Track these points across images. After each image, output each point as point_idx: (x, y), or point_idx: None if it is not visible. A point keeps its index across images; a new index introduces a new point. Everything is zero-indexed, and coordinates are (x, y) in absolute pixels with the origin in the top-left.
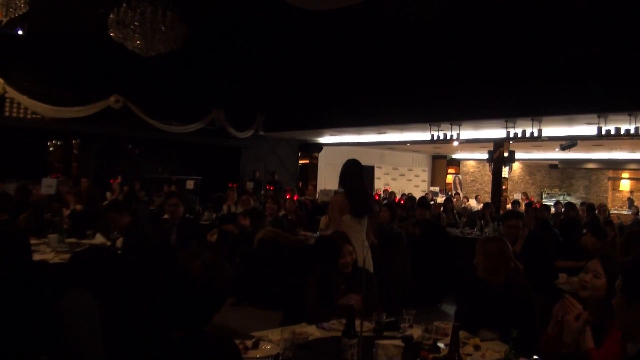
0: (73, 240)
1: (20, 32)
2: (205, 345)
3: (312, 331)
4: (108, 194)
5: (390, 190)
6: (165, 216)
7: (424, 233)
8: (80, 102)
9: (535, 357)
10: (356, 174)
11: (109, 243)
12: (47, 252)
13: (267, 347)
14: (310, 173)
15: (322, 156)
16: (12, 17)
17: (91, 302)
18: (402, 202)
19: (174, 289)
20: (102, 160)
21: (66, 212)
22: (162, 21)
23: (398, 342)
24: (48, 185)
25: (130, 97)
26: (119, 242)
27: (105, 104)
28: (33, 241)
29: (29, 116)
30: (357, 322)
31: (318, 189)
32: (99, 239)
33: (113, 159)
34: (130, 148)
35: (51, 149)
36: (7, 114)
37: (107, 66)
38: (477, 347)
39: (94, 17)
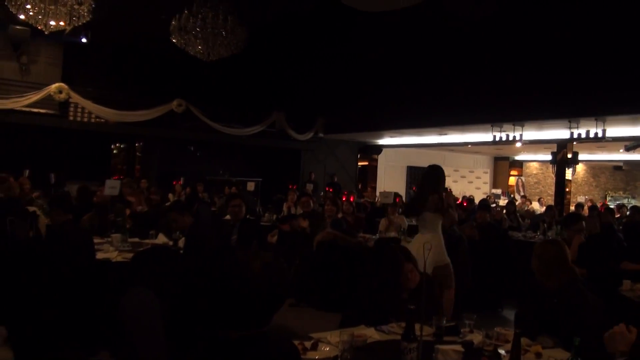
0: (136, 240)
1: (84, 40)
2: (265, 345)
3: (371, 334)
4: (170, 195)
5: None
6: (227, 217)
7: (484, 236)
8: (143, 106)
9: None
10: (434, 177)
11: (171, 243)
12: (110, 251)
13: (325, 349)
14: (369, 175)
15: (381, 158)
16: (76, 25)
17: (153, 301)
18: (464, 204)
19: (233, 289)
20: (164, 163)
21: (129, 213)
22: (223, 26)
23: (458, 348)
24: (112, 187)
25: (192, 100)
26: (181, 243)
27: (168, 107)
28: (97, 240)
29: (93, 120)
30: (417, 326)
31: (377, 191)
32: (161, 239)
33: (175, 161)
34: (192, 150)
35: (115, 151)
36: (71, 118)
37: (169, 71)
38: (538, 355)
39: (156, 23)
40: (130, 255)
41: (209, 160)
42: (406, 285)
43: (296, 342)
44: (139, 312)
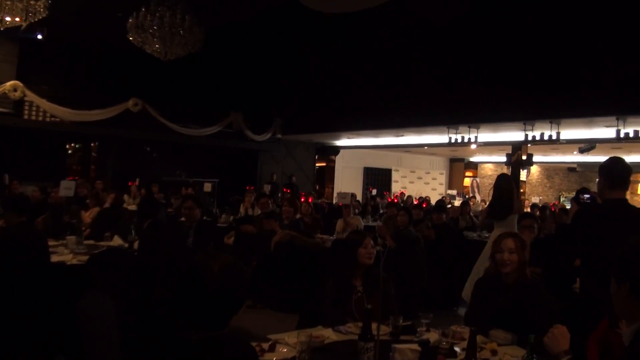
0: (91, 242)
1: (39, 37)
2: (223, 347)
3: (329, 334)
4: (126, 197)
5: (406, 193)
6: (182, 219)
7: (440, 236)
8: (99, 106)
9: None
10: (511, 185)
11: (126, 245)
12: (65, 253)
13: (283, 350)
14: (327, 176)
15: (339, 159)
16: (32, 21)
17: (108, 304)
18: (423, 205)
19: (192, 290)
20: (120, 163)
21: (85, 215)
22: (181, 25)
23: (415, 346)
24: (67, 188)
25: (149, 100)
26: (137, 245)
27: (124, 107)
28: (51, 243)
29: (48, 119)
30: (374, 326)
31: (335, 192)
32: (116, 241)
33: (131, 162)
34: (148, 151)
35: (70, 151)
36: (26, 117)
37: (126, 70)
38: (494, 352)
39: (113, 21)
40: (86, 258)
41: (165, 161)
42: (366, 260)
43: (254, 344)
44: (94, 316)
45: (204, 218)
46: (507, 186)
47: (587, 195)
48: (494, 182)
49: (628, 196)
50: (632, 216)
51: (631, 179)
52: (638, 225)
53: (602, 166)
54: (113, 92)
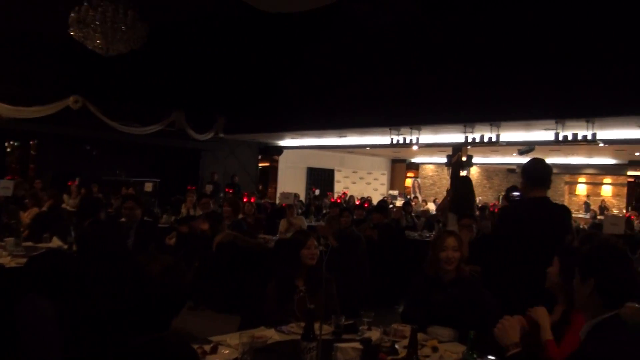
0: (30, 243)
1: None
2: (164, 350)
3: (271, 335)
4: (65, 197)
5: (349, 193)
6: (123, 219)
7: (381, 236)
8: (38, 102)
9: (490, 357)
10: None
11: (66, 247)
12: (3, 256)
13: (225, 352)
14: (270, 176)
15: (282, 159)
16: None
17: (48, 308)
18: (365, 204)
19: (132, 293)
20: (60, 162)
21: (23, 215)
22: (123, 20)
23: (357, 345)
24: (5, 187)
25: (90, 97)
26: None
27: (64, 104)
28: None
29: None
30: (316, 325)
31: (278, 192)
32: (56, 242)
33: (71, 161)
34: (88, 149)
35: (8, 149)
36: None
37: (66, 66)
38: (435, 349)
39: (55, 14)
40: (24, 260)
41: (105, 160)
42: (309, 261)
43: (195, 346)
44: (33, 320)
45: (145, 219)
46: (470, 187)
47: (516, 193)
48: (435, 182)
49: (567, 196)
50: (551, 213)
51: (570, 179)
52: (556, 221)
53: (523, 167)
54: (53, 89)
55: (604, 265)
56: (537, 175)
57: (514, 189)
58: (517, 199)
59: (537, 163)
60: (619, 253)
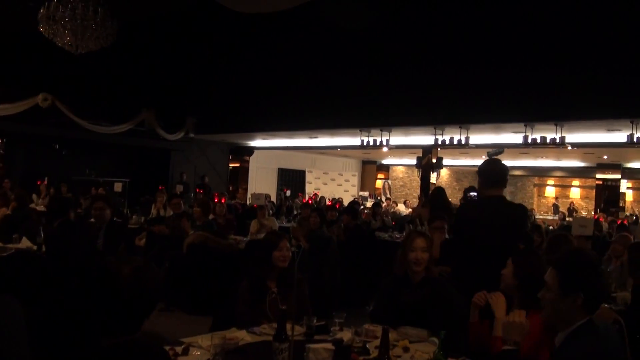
0: None
1: None
2: (135, 352)
3: (243, 336)
4: (34, 196)
5: (319, 194)
6: (92, 220)
7: (352, 237)
8: (6, 100)
9: (462, 357)
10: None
11: (35, 248)
12: None
13: (197, 353)
14: (240, 176)
15: (253, 159)
16: None
17: (17, 310)
18: (337, 205)
19: (103, 294)
20: (29, 161)
21: None
22: (93, 18)
23: (329, 346)
24: None
25: (59, 95)
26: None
27: (33, 102)
28: None
29: None
30: (288, 326)
31: (249, 193)
32: (25, 243)
33: (40, 160)
34: (57, 149)
35: None
36: None
37: (35, 63)
38: (406, 349)
39: (24, 10)
40: None
41: (75, 160)
42: (280, 263)
43: (167, 348)
44: (2, 323)
45: (115, 219)
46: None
47: (473, 193)
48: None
49: (535, 198)
50: (506, 211)
51: (539, 182)
52: (511, 219)
53: (479, 168)
54: (22, 86)
55: (590, 279)
56: (493, 175)
57: (472, 189)
58: (475, 198)
59: (493, 163)
60: (596, 264)
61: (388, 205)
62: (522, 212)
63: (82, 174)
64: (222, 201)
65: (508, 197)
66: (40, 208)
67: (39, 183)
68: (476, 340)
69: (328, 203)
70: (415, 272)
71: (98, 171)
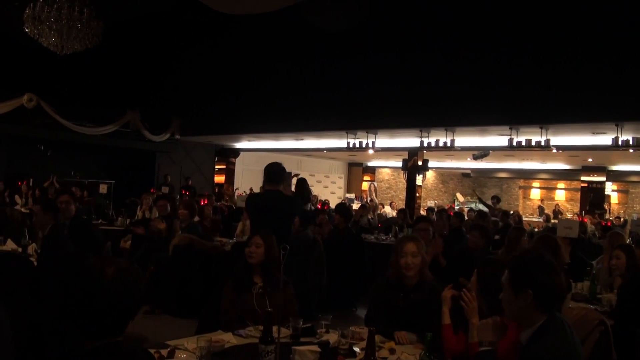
0: None
1: None
2: (119, 355)
3: (229, 338)
4: (17, 197)
5: None
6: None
7: (339, 239)
8: None
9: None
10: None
11: (20, 249)
12: None
13: (182, 356)
14: (227, 178)
15: (239, 161)
16: None
17: (2, 313)
18: (325, 207)
19: (86, 296)
20: (12, 162)
21: None
22: (79, 18)
23: (315, 348)
24: None
25: (44, 96)
26: (31, 249)
27: (18, 102)
28: None
29: None
30: (274, 329)
31: (235, 195)
32: (10, 245)
33: (24, 161)
34: (42, 150)
35: None
36: None
37: (20, 63)
38: (392, 351)
39: (9, 10)
40: None
41: (60, 161)
42: (250, 259)
43: (152, 351)
44: None
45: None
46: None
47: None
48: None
49: (521, 200)
50: (279, 201)
51: (524, 184)
52: (281, 207)
53: (264, 168)
54: (7, 87)
55: (537, 276)
56: (272, 173)
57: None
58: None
59: (274, 165)
60: (547, 261)
61: (374, 205)
62: (292, 203)
63: (67, 175)
64: (205, 202)
65: (494, 200)
66: (25, 209)
67: (20, 184)
68: (450, 350)
69: (318, 206)
70: (407, 277)
71: (83, 172)
